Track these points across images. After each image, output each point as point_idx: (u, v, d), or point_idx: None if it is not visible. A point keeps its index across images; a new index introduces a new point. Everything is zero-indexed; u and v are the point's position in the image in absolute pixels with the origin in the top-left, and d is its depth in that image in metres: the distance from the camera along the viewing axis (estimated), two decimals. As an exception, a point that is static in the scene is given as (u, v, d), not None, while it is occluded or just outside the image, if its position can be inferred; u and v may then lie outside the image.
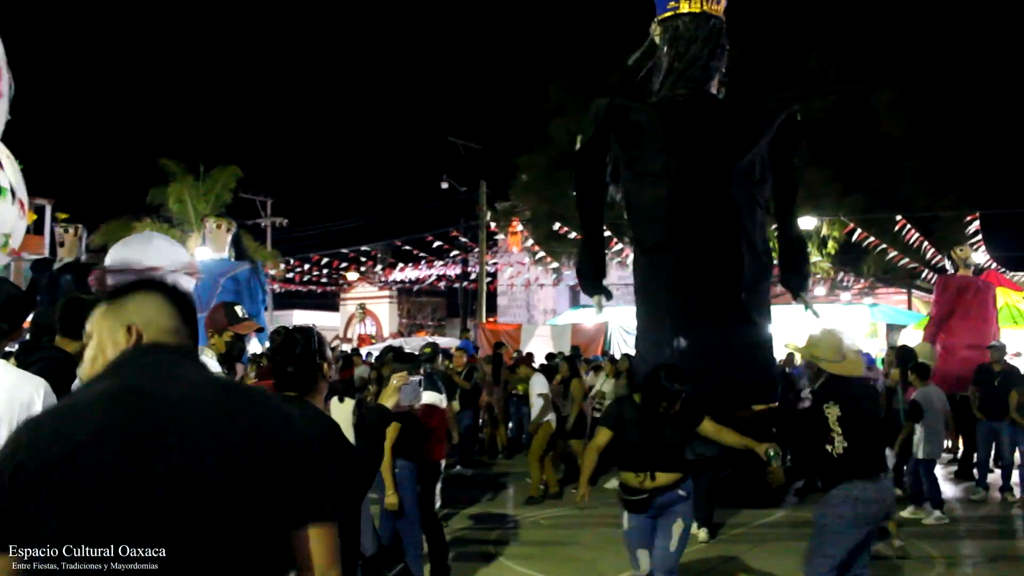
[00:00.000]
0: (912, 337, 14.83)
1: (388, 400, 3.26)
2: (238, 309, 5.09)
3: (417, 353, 7.75)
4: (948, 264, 13.88)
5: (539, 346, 18.09)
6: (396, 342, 20.96)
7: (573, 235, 23.78)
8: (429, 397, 6.07)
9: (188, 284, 7.91)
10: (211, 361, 4.88)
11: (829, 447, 4.69)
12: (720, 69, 9.19)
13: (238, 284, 10.57)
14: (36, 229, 32.91)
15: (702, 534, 8.04)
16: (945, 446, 10.73)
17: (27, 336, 4.42)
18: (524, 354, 15.33)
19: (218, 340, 4.92)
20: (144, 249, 9.55)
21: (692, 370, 7.56)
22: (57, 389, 3.28)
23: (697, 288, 8.45)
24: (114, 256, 9.53)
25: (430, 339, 23.51)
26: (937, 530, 8.41)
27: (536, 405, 10.23)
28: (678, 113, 8.92)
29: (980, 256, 20.16)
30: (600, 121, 8.98)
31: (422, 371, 6.77)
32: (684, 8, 9.03)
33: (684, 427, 5.11)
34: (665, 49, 9.18)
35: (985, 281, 13.70)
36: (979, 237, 21.32)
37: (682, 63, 9.03)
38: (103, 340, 1.82)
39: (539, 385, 10.44)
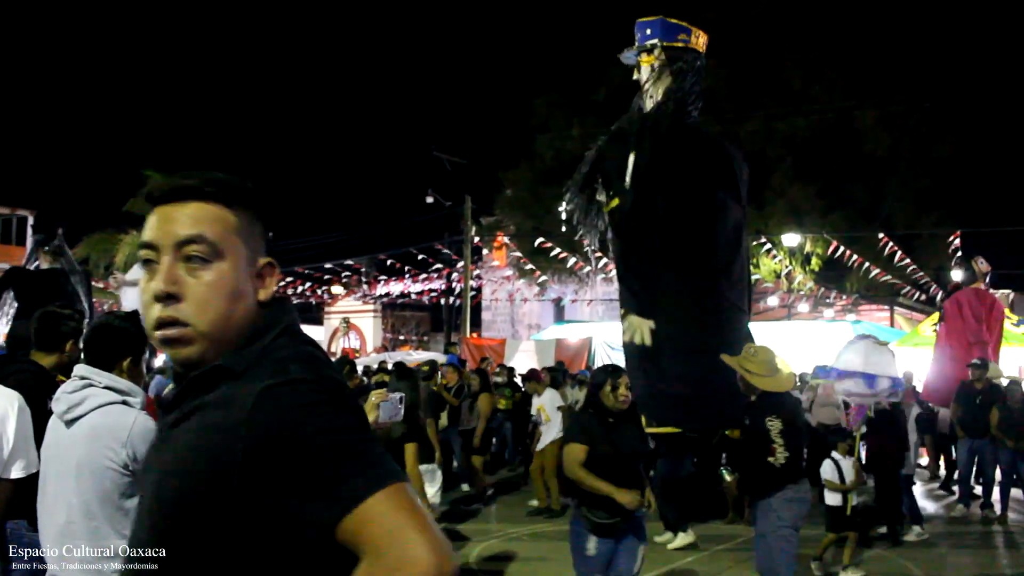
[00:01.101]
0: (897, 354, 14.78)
1: (367, 417, 3.23)
2: None
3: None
4: (960, 275, 13.29)
5: (523, 361, 18.04)
6: (380, 357, 20.92)
7: (556, 250, 23.83)
8: None
9: None
10: None
11: (771, 459, 5.02)
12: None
13: None
14: (18, 240, 32.73)
15: (679, 540, 8.10)
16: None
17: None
18: (525, 370, 15.09)
19: None
20: None
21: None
22: (31, 403, 3.25)
23: (744, 309, 9.04)
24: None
25: (414, 353, 23.46)
26: (917, 546, 8.44)
27: (555, 420, 10.20)
28: (715, 139, 9.30)
29: (960, 274, 20.29)
30: (665, 135, 8.89)
31: (363, 383, 6.73)
32: (692, 43, 9.31)
33: (639, 437, 4.98)
34: (670, 77, 9.25)
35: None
36: (960, 255, 21.48)
37: (680, 94, 9.20)
38: (241, 276, 1.45)
39: (556, 399, 10.43)
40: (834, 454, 7.46)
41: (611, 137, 9.40)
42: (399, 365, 6.99)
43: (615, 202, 9.14)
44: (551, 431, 10.15)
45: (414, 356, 20.19)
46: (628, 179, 8.78)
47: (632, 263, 9.09)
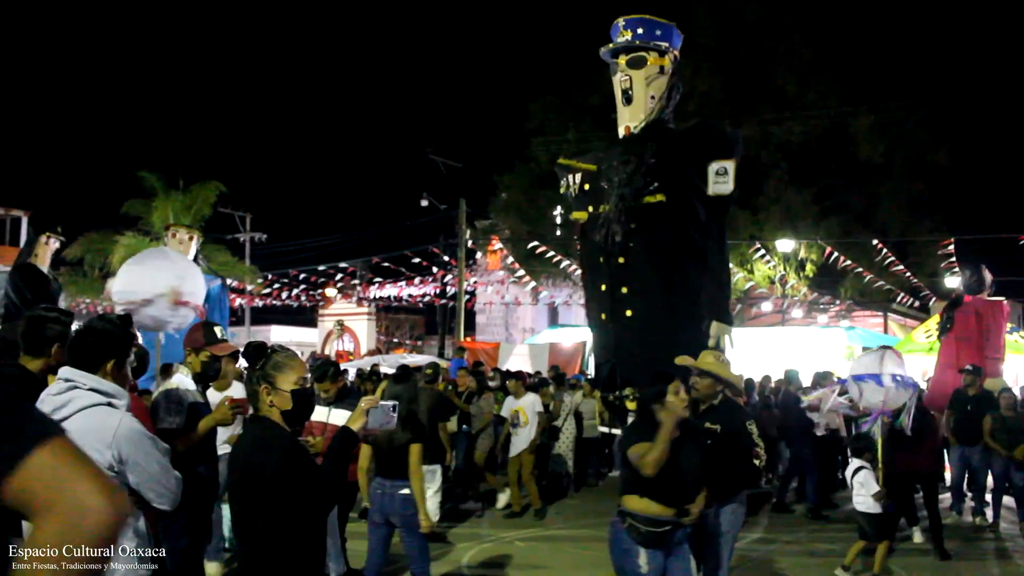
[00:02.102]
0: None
1: (355, 423, 3.22)
2: (217, 330, 5.07)
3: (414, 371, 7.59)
4: (962, 282, 12.99)
5: (517, 365, 18.03)
6: (373, 359, 20.90)
7: (551, 254, 23.84)
8: (344, 416, 5.94)
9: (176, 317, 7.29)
10: (186, 379, 4.82)
11: (757, 461, 5.13)
12: None
13: (210, 300, 9.94)
14: (12, 240, 32.66)
15: None
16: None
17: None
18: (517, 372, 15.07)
19: (195, 359, 4.90)
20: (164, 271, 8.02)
21: None
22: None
23: None
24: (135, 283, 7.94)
25: (408, 356, 23.44)
26: (909, 553, 8.42)
27: (532, 423, 10.22)
28: None
29: (954, 281, 20.32)
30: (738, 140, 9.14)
31: (347, 385, 6.69)
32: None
33: (696, 451, 4.62)
34: (671, 83, 9.36)
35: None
36: (953, 260, 21.51)
37: (672, 102, 9.38)
38: None
39: (536, 403, 10.44)
40: (857, 461, 7.44)
41: (681, 135, 9.26)
42: (400, 368, 6.95)
43: (658, 197, 9.00)
44: (528, 435, 10.18)
45: (408, 359, 20.17)
46: (732, 180, 8.67)
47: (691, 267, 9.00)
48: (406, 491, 5.41)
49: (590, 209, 9.10)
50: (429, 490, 8.67)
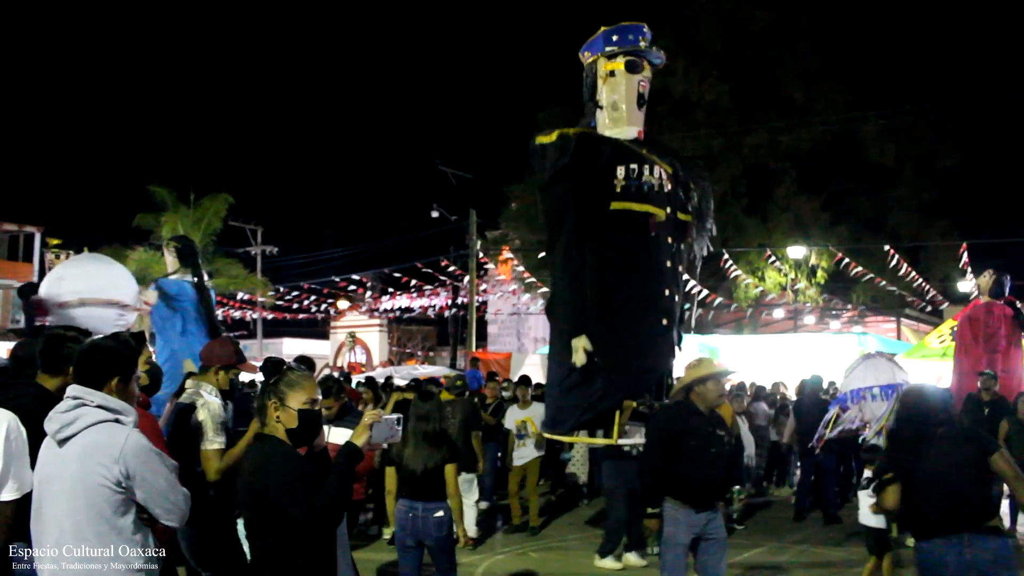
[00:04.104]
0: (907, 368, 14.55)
1: (359, 438, 3.21)
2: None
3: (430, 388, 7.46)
4: (993, 290, 12.65)
5: (529, 375, 17.98)
6: (386, 371, 20.90)
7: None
8: (343, 435, 5.90)
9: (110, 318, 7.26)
10: (211, 396, 4.77)
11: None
12: None
13: (183, 300, 9.73)
14: (25, 256, 32.84)
15: (635, 559, 8.01)
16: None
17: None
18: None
19: (223, 376, 4.83)
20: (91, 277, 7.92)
21: None
22: (31, 425, 3.24)
23: None
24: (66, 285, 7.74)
25: (420, 367, 23.42)
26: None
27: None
28: None
29: (967, 285, 20.20)
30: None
31: (348, 403, 6.61)
32: None
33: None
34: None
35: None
36: (964, 265, 21.39)
37: None
38: None
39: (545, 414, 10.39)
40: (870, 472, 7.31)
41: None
42: (422, 388, 6.86)
43: (688, 217, 8.92)
44: (536, 445, 9.95)
45: (420, 370, 20.17)
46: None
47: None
48: (440, 514, 5.29)
49: (667, 210, 8.40)
50: (467, 502, 8.52)
